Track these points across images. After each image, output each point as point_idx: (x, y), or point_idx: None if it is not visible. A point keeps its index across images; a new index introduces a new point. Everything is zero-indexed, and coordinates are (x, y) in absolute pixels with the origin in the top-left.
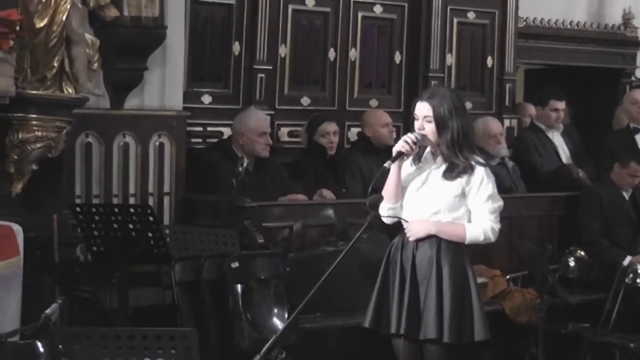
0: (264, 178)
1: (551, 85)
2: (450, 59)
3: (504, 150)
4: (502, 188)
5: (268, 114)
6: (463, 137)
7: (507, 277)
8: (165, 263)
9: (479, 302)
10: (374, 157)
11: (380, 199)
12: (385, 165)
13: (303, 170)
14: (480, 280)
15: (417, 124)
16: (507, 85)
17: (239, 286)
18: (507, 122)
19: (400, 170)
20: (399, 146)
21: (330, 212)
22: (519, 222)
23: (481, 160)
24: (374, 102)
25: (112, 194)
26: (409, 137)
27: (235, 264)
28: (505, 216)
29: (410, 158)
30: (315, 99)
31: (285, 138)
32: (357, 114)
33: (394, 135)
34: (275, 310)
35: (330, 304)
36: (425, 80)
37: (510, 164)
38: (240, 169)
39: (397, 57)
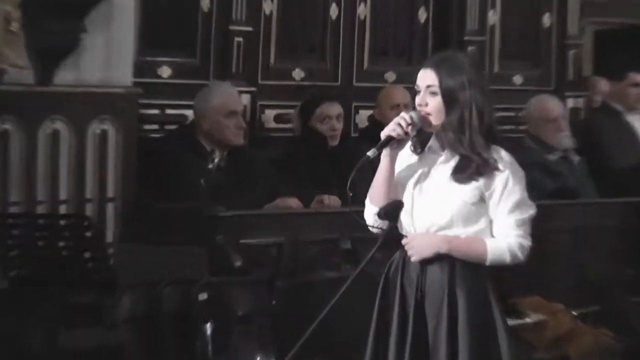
0: (242, 178)
1: (629, 51)
2: (494, 17)
3: (566, 140)
4: (565, 190)
5: (247, 92)
6: (478, 119)
7: (573, 312)
8: (109, 292)
9: (509, 346)
10: None
11: (400, 205)
12: (368, 153)
13: (296, 168)
14: (537, 317)
15: (417, 99)
16: (571, 53)
17: (208, 325)
18: (570, 102)
19: (392, 162)
20: (389, 129)
21: (333, 224)
22: (588, 237)
23: (503, 154)
24: (390, 76)
25: (36, 200)
26: (403, 116)
27: (203, 296)
28: (569, 228)
29: (410, 145)
30: (311, 71)
31: (272, 124)
32: (367, 92)
33: None
34: (259, 358)
35: (332, 346)
36: (459, 45)
37: (575, 158)
38: (210, 165)
39: (422, 15)
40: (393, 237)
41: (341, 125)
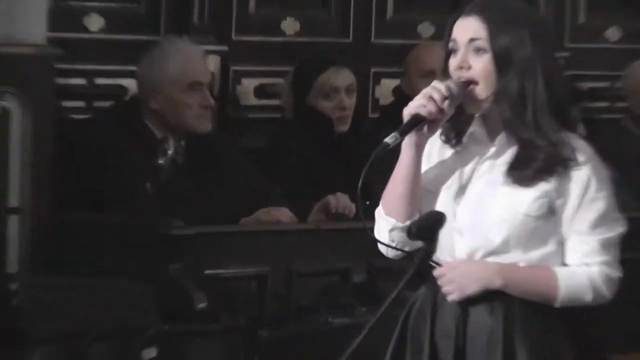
0: (207, 179)
1: None
2: None
3: None
4: None
5: (216, 52)
6: (546, 90)
7: None
8: (12, 349)
9: None
10: None
11: (441, 219)
12: (387, 140)
13: (286, 164)
14: None
15: (453, 62)
16: None
17: None
18: None
19: (418, 153)
20: (415, 105)
21: (342, 245)
22: None
23: (581, 143)
24: (425, 29)
25: None
26: (435, 87)
27: (151, 353)
28: None
29: (440, 134)
30: (309, 22)
31: (251, 100)
32: (392, 52)
33: None
34: None
35: None
36: None
37: None
38: (160, 160)
39: None
40: (420, 266)
41: (353, 101)
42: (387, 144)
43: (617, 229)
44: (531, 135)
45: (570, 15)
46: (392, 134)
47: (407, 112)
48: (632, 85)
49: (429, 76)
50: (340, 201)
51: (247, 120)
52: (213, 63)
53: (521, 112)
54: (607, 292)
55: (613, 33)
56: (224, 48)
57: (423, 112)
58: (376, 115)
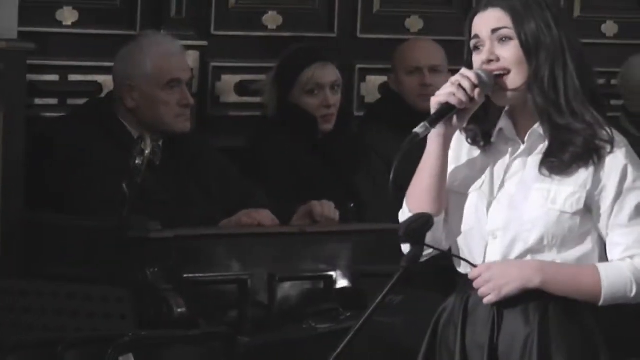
0: (186, 180)
1: None
2: None
3: None
4: None
5: (195, 47)
6: (577, 72)
7: None
8: None
9: None
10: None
11: (428, 221)
12: (417, 130)
13: (268, 164)
14: None
15: (479, 58)
16: None
17: None
18: None
19: (445, 145)
20: (444, 94)
21: (327, 250)
22: None
23: (614, 132)
24: (415, 22)
25: None
26: (465, 74)
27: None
28: None
29: (465, 135)
30: (292, 15)
31: (232, 97)
32: (379, 47)
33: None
34: None
35: None
36: None
37: None
38: (137, 161)
39: None
40: (427, 271)
41: (338, 99)
42: (417, 134)
43: None
44: (567, 120)
45: (566, 9)
46: (422, 124)
47: (436, 100)
48: (628, 84)
49: (417, 73)
50: (325, 208)
51: (227, 119)
52: (192, 59)
53: (554, 97)
54: None
55: (609, 27)
56: (203, 43)
57: (453, 100)
58: (362, 114)
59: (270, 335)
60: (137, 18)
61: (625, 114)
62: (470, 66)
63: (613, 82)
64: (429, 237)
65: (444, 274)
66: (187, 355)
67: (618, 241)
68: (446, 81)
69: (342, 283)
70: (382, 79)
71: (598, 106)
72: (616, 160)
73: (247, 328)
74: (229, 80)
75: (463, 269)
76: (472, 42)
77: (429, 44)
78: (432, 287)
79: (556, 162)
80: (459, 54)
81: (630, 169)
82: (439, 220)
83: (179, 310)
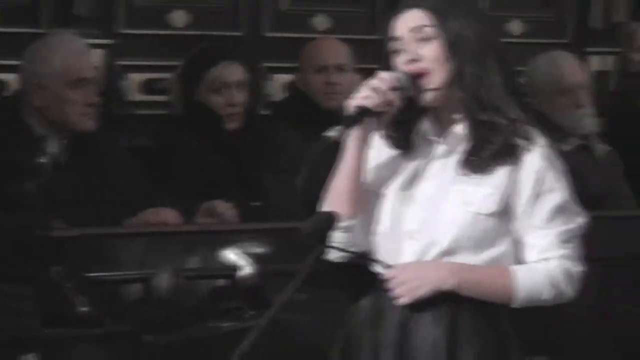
0: (91, 179)
1: None
2: None
3: (588, 121)
4: (585, 198)
5: (101, 46)
6: (501, 73)
7: None
8: None
9: None
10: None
11: (331, 219)
12: (332, 133)
13: (174, 163)
14: None
15: (400, 58)
16: None
17: None
18: (595, 63)
19: (361, 149)
20: (361, 97)
21: (231, 250)
22: (624, 269)
23: (536, 132)
24: (320, 22)
25: None
26: (382, 77)
27: (29, 359)
28: (593, 257)
29: (383, 137)
30: (199, 13)
31: (139, 96)
32: (286, 46)
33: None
34: None
35: None
36: None
37: (602, 149)
38: (42, 159)
39: None
40: (362, 272)
41: (245, 97)
42: (329, 139)
43: (577, 221)
44: (489, 115)
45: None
46: (338, 127)
47: (353, 103)
48: (533, 82)
49: (324, 72)
50: (222, 208)
51: (133, 117)
52: (98, 57)
53: (478, 93)
54: (568, 289)
55: (516, 26)
56: (110, 41)
57: (369, 104)
58: (268, 112)
59: (174, 334)
60: (43, 16)
61: (531, 112)
62: (387, 69)
63: (519, 81)
64: (346, 238)
65: (351, 273)
66: (91, 354)
67: (533, 243)
68: (352, 80)
69: (246, 281)
70: (289, 77)
71: (520, 104)
72: (534, 161)
73: (152, 327)
74: (135, 78)
75: (378, 269)
76: (392, 44)
77: (335, 43)
78: (337, 286)
79: (476, 161)
80: (366, 53)
81: (547, 171)
82: (356, 221)
83: (83, 309)
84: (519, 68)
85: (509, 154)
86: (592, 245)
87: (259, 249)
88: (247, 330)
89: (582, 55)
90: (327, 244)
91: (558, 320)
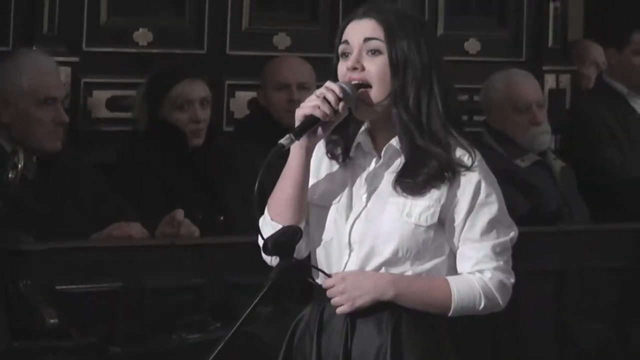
0: (59, 193)
1: (635, 4)
2: None
3: (545, 137)
4: (541, 213)
5: (67, 63)
6: (441, 97)
7: None
8: None
9: None
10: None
11: (296, 234)
12: (282, 141)
13: (139, 179)
14: None
15: (345, 64)
16: (552, 6)
17: None
18: (549, 81)
19: (307, 157)
20: (308, 106)
21: (196, 261)
22: (577, 284)
23: (471, 148)
24: (281, 40)
25: None
26: (329, 87)
27: None
28: (548, 269)
29: (324, 149)
30: (163, 31)
31: (103, 112)
32: (248, 64)
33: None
34: None
35: None
36: None
37: (558, 165)
38: (10, 174)
39: None
40: (294, 283)
41: (208, 114)
42: (282, 146)
43: (509, 234)
44: (425, 141)
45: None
46: (287, 135)
47: (301, 113)
48: (490, 100)
49: (285, 89)
50: (178, 216)
51: (98, 134)
52: (64, 74)
53: (417, 117)
54: (500, 300)
55: (472, 45)
56: (75, 59)
57: (317, 113)
58: (231, 129)
59: (141, 345)
60: (9, 33)
61: (487, 130)
62: (336, 73)
63: (476, 98)
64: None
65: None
66: None
67: (469, 255)
68: None
69: (211, 294)
70: (251, 94)
71: (459, 128)
72: (470, 176)
73: (119, 338)
74: (100, 95)
75: (319, 279)
76: (341, 48)
77: (297, 61)
78: (300, 299)
79: (410, 183)
80: (326, 71)
81: (483, 185)
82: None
83: (52, 321)
84: (476, 86)
85: (442, 178)
86: (547, 259)
87: (223, 263)
88: (213, 342)
89: (538, 73)
90: (292, 257)
91: (513, 332)
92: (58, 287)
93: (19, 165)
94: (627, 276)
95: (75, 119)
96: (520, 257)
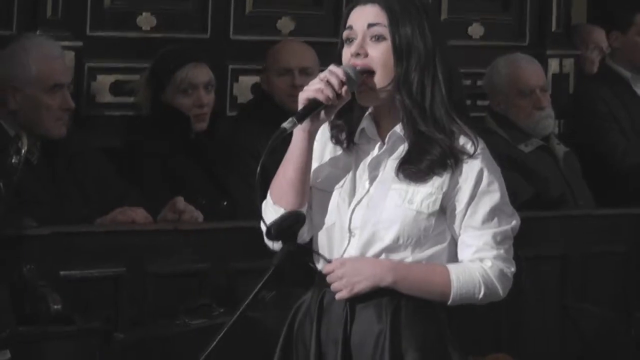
0: (63, 178)
1: None
2: None
3: (548, 122)
4: (545, 198)
5: (70, 48)
6: (445, 83)
7: None
8: None
9: None
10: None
11: (299, 219)
12: (284, 125)
13: (142, 163)
14: None
15: (349, 50)
16: None
17: None
18: (553, 65)
19: (310, 141)
20: (312, 89)
21: (200, 246)
22: (581, 269)
23: (475, 135)
24: (287, 24)
25: None
26: (333, 71)
27: (4, 355)
28: (551, 255)
29: (328, 132)
30: (166, 16)
31: (107, 97)
32: (251, 48)
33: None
34: None
35: None
36: None
37: (561, 149)
38: (14, 159)
39: None
40: (297, 267)
41: (212, 99)
42: (285, 129)
43: (511, 223)
44: (428, 127)
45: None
46: (290, 119)
47: (304, 96)
48: (493, 85)
49: (288, 74)
50: (180, 204)
51: (102, 118)
52: (67, 59)
53: (421, 102)
54: (500, 289)
55: (476, 29)
56: (79, 44)
57: (320, 97)
58: (234, 113)
59: (144, 331)
60: (13, 18)
61: (490, 114)
62: (340, 58)
63: (479, 83)
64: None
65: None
66: (63, 351)
67: (469, 242)
68: None
69: (215, 279)
70: (255, 79)
71: (463, 115)
72: (473, 165)
73: (123, 324)
74: (104, 80)
75: (320, 264)
76: (345, 33)
77: (300, 45)
78: (303, 283)
79: (413, 169)
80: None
81: (485, 173)
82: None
83: (56, 306)
84: (479, 70)
85: (446, 163)
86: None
87: (227, 248)
88: (216, 327)
89: (541, 58)
90: (295, 242)
91: (515, 317)
92: (62, 272)
93: (23, 150)
94: (631, 261)
95: (79, 103)
96: (523, 242)
